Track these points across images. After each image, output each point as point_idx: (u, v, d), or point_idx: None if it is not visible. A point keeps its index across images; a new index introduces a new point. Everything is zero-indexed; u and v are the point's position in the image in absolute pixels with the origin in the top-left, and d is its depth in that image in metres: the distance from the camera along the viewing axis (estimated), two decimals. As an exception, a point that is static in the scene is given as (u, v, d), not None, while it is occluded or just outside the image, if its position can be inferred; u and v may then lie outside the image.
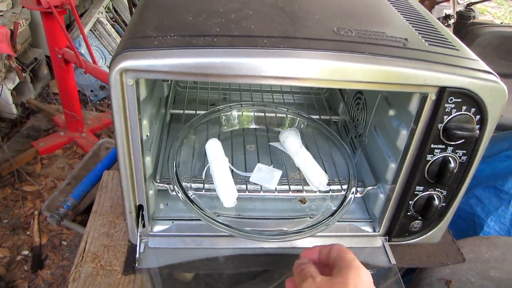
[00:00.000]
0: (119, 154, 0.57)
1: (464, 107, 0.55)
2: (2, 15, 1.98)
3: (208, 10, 0.59)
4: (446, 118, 0.56)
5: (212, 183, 0.70)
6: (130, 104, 0.52)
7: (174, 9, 0.59)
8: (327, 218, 0.67)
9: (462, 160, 0.60)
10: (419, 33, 0.61)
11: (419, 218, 0.67)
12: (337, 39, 0.54)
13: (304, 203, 0.76)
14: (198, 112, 0.87)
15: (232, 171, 0.73)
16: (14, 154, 1.92)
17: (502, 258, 0.77)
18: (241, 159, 0.79)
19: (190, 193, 0.68)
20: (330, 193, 0.73)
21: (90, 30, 2.36)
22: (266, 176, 0.74)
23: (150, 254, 0.65)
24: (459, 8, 2.08)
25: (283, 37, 0.53)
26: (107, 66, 2.40)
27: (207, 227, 0.65)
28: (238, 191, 0.69)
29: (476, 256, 0.77)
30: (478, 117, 0.56)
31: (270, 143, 0.85)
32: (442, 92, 0.54)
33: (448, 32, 0.64)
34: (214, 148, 0.76)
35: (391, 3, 0.72)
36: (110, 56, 2.46)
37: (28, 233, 1.65)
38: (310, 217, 0.72)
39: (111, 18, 2.56)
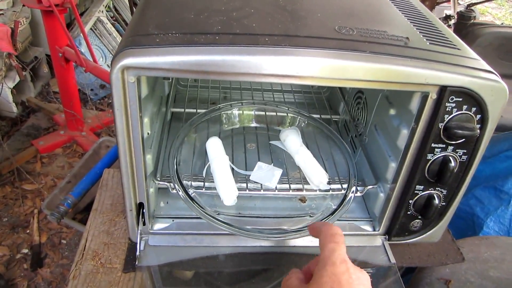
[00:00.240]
0: (120, 152, 0.57)
1: (464, 106, 0.55)
2: (2, 14, 1.98)
3: (210, 8, 0.59)
4: (447, 117, 0.56)
5: (213, 182, 0.70)
6: (131, 102, 0.52)
7: (175, 7, 0.60)
8: (327, 217, 0.67)
9: (462, 159, 0.60)
10: (420, 32, 0.61)
11: (419, 217, 0.68)
12: (338, 37, 0.54)
13: (304, 202, 0.76)
14: (198, 110, 0.87)
15: (232, 169, 0.74)
16: (14, 152, 1.92)
17: (501, 258, 0.77)
18: (242, 157, 0.79)
19: (190, 191, 0.68)
20: (330, 192, 0.74)
21: (91, 29, 2.36)
22: (266, 174, 0.74)
23: (150, 252, 0.65)
24: (460, 8, 2.08)
25: (284, 35, 0.53)
26: (107, 65, 2.40)
27: (207, 225, 0.65)
28: (239, 189, 0.69)
29: (476, 256, 0.77)
30: (478, 116, 0.56)
31: (270, 142, 0.85)
32: (443, 91, 0.54)
33: (449, 32, 0.65)
34: (214, 147, 0.76)
35: (392, 2, 0.72)
36: (111, 55, 2.46)
37: (28, 231, 1.65)
38: (310, 216, 0.72)
39: (111, 17, 2.56)
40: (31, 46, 2.21)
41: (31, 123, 2.15)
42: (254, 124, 0.90)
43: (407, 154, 0.61)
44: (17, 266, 1.53)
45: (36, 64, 2.24)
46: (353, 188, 0.71)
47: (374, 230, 0.72)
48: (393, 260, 0.68)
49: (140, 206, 0.63)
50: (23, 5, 2.06)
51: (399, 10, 0.69)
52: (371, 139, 0.77)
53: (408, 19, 0.66)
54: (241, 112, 0.88)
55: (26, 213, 1.72)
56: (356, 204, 0.77)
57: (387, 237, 0.72)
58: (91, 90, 2.38)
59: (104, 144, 1.57)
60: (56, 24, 1.60)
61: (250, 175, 0.74)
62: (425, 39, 0.59)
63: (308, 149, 0.79)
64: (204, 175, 0.73)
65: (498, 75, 0.55)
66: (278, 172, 0.75)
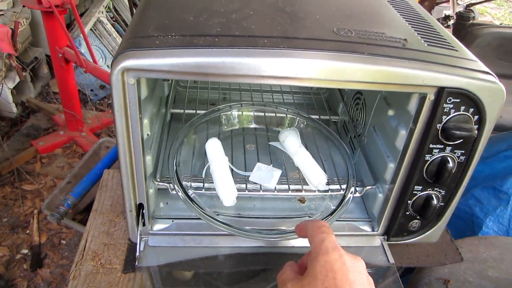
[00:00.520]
0: (120, 153, 0.57)
1: (462, 107, 0.56)
2: (2, 14, 1.99)
3: (209, 10, 0.59)
4: (445, 118, 0.56)
5: (212, 182, 0.71)
6: (131, 103, 0.53)
7: (175, 9, 0.60)
8: (326, 217, 0.67)
9: (460, 160, 0.61)
10: (418, 33, 0.61)
11: (418, 217, 0.68)
12: (337, 39, 0.55)
13: (303, 203, 0.77)
14: (198, 111, 0.87)
15: (232, 170, 0.74)
16: (13, 153, 1.92)
17: (500, 258, 0.78)
18: (241, 158, 0.79)
19: (190, 192, 0.68)
20: (329, 193, 0.74)
21: (91, 29, 2.37)
22: (265, 175, 0.74)
23: (150, 253, 0.66)
24: (459, 9, 2.08)
25: (283, 37, 0.54)
26: (107, 65, 2.40)
27: (206, 226, 0.66)
28: (238, 190, 0.70)
29: (474, 256, 0.77)
30: (476, 117, 0.57)
31: (269, 143, 0.85)
32: (441, 92, 0.54)
33: (447, 33, 0.65)
34: (214, 148, 0.76)
35: (390, 4, 0.73)
36: (110, 55, 2.46)
37: (28, 232, 1.65)
38: (309, 216, 0.72)
39: (111, 18, 2.56)
40: (31, 46, 2.21)
41: (31, 124, 2.16)
42: (253, 125, 0.90)
43: (405, 154, 0.61)
44: (16, 266, 1.53)
45: (36, 64, 2.24)
46: (352, 189, 0.71)
47: (373, 230, 0.72)
48: (392, 260, 0.69)
49: (140, 206, 0.64)
50: (23, 6, 2.07)
51: (397, 12, 0.69)
52: (370, 140, 0.78)
53: (406, 20, 0.66)
54: (240, 113, 0.89)
55: (26, 213, 1.72)
56: (355, 205, 0.77)
57: (386, 237, 0.72)
58: (91, 90, 2.38)
59: (104, 145, 1.57)
60: (56, 25, 1.61)
61: (249, 176, 0.74)
62: (423, 41, 0.59)
63: (307, 150, 0.79)
64: (203, 176, 0.73)
65: (495, 76, 0.55)
66: (277, 172, 0.75)
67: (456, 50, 0.59)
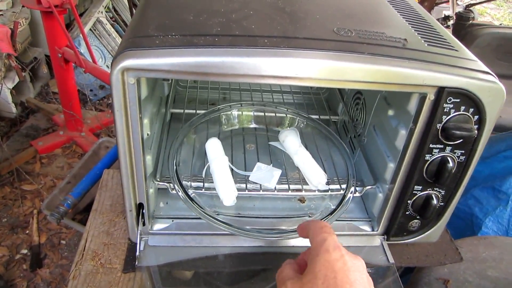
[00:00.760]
0: (120, 153, 0.57)
1: (462, 107, 0.56)
2: (2, 14, 1.99)
3: (209, 10, 0.59)
4: (445, 118, 0.56)
5: (212, 182, 0.71)
6: (131, 103, 0.53)
7: (175, 8, 0.60)
8: (325, 217, 0.67)
9: (460, 160, 0.61)
10: (418, 33, 0.61)
11: (418, 217, 0.68)
12: (337, 39, 0.55)
13: (303, 202, 0.77)
14: (198, 111, 0.87)
15: (232, 170, 0.74)
16: (13, 153, 1.92)
17: (499, 257, 0.78)
18: (241, 158, 0.79)
19: (190, 191, 0.68)
20: (329, 193, 0.74)
21: (90, 29, 2.37)
22: (265, 175, 0.74)
23: (150, 252, 0.66)
24: (459, 9, 2.08)
25: (283, 37, 0.54)
26: (106, 65, 2.40)
27: (207, 225, 0.66)
28: (238, 190, 0.70)
29: (474, 256, 0.77)
30: (476, 117, 0.57)
31: (269, 143, 0.85)
32: (441, 92, 0.54)
33: (447, 33, 0.65)
34: (214, 147, 0.76)
35: (390, 4, 0.73)
36: (110, 55, 2.46)
37: (27, 232, 1.65)
38: (309, 216, 0.72)
39: (111, 18, 2.56)
40: (31, 46, 2.21)
41: (31, 124, 2.15)
42: (253, 125, 0.90)
43: (405, 154, 0.62)
44: (16, 266, 1.53)
45: (36, 64, 2.24)
46: (352, 189, 0.71)
47: (372, 230, 0.73)
48: (391, 260, 0.69)
49: (139, 206, 0.64)
50: (23, 6, 2.06)
51: (397, 12, 0.69)
52: (370, 140, 0.78)
53: (406, 20, 0.66)
54: (240, 113, 0.89)
55: (26, 213, 1.72)
56: (355, 205, 0.77)
57: (385, 237, 0.72)
58: (91, 90, 2.38)
59: (104, 145, 1.57)
60: (56, 25, 1.61)
61: (249, 175, 0.74)
62: (423, 41, 0.59)
63: (307, 149, 0.79)
64: (203, 175, 0.73)
65: (495, 76, 0.55)
66: (277, 172, 0.75)
67: (456, 50, 0.59)
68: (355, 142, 0.84)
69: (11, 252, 1.57)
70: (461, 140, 0.58)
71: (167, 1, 0.62)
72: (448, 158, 0.60)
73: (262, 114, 0.90)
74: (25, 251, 1.58)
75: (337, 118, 0.96)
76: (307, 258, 0.48)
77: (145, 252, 0.65)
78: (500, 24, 4.19)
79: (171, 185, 0.67)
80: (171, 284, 0.68)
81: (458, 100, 0.55)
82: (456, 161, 0.61)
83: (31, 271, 1.51)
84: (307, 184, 0.74)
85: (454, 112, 0.56)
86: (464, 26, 1.98)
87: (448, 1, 2.17)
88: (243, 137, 0.86)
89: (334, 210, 0.68)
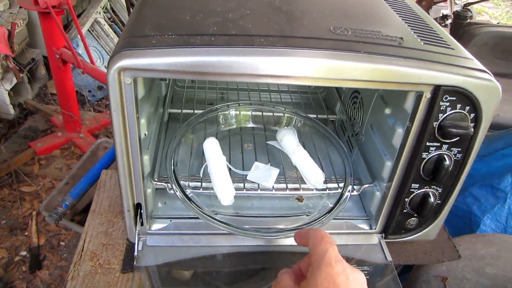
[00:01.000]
0: (118, 153, 0.57)
1: (458, 105, 0.56)
2: (-1, 16, 1.98)
3: (206, 9, 0.59)
4: (441, 116, 0.57)
5: (210, 182, 0.71)
6: (128, 103, 0.53)
7: (171, 8, 0.60)
8: (323, 215, 0.67)
9: (457, 157, 0.61)
10: (414, 32, 0.62)
11: (415, 215, 0.68)
12: (334, 38, 0.55)
13: (301, 201, 0.77)
14: (196, 111, 0.87)
15: (229, 169, 0.74)
16: (11, 154, 1.92)
17: (497, 255, 0.78)
18: (239, 157, 0.79)
19: (188, 191, 0.68)
20: (327, 191, 0.74)
21: (88, 30, 2.36)
22: (263, 174, 0.74)
23: (148, 252, 0.66)
24: (456, 8, 2.09)
25: (280, 36, 0.54)
26: (105, 66, 2.40)
27: (205, 225, 0.66)
28: (236, 189, 0.70)
29: (472, 253, 0.78)
30: (472, 115, 0.57)
31: (267, 142, 0.85)
32: (437, 90, 0.54)
33: (444, 32, 0.65)
34: (211, 147, 0.76)
35: (387, 3, 0.73)
36: (108, 56, 2.46)
37: (26, 233, 1.65)
38: (307, 215, 0.72)
39: (108, 18, 2.56)
40: (28, 48, 2.21)
41: (29, 125, 2.15)
42: (251, 125, 0.90)
43: (402, 152, 0.62)
44: (15, 268, 1.53)
45: (33, 66, 2.24)
46: (350, 187, 0.71)
47: (370, 228, 0.73)
48: (389, 258, 0.69)
49: (137, 206, 0.64)
50: (20, 7, 2.06)
51: (394, 11, 0.70)
52: (367, 138, 0.78)
53: (402, 19, 0.66)
54: (238, 112, 0.89)
55: (24, 215, 1.71)
56: (353, 203, 0.78)
57: (383, 235, 0.72)
58: (89, 91, 2.38)
59: (102, 146, 1.57)
60: (53, 26, 1.61)
61: (247, 175, 0.74)
62: (419, 39, 0.59)
63: (304, 148, 0.79)
64: (201, 175, 0.73)
65: (491, 74, 0.55)
66: (275, 171, 0.75)
67: (452, 49, 0.59)
68: (352, 141, 0.84)
69: (10, 254, 1.57)
70: (458, 138, 0.59)
71: (164, 1, 0.62)
72: (445, 156, 0.60)
73: (260, 113, 0.90)
74: (24, 253, 1.58)
75: (334, 117, 0.96)
76: (304, 268, 0.47)
77: (144, 252, 0.65)
78: (498, 23, 4.20)
79: (169, 185, 0.67)
80: (170, 284, 0.68)
81: (454, 98, 0.55)
82: (452, 159, 0.61)
83: (31, 273, 1.51)
84: (305, 183, 0.74)
85: (451, 110, 0.56)
86: (462, 25, 1.99)
87: (446, 0, 2.18)
88: (241, 136, 0.87)
89: (332, 208, 0.68)
